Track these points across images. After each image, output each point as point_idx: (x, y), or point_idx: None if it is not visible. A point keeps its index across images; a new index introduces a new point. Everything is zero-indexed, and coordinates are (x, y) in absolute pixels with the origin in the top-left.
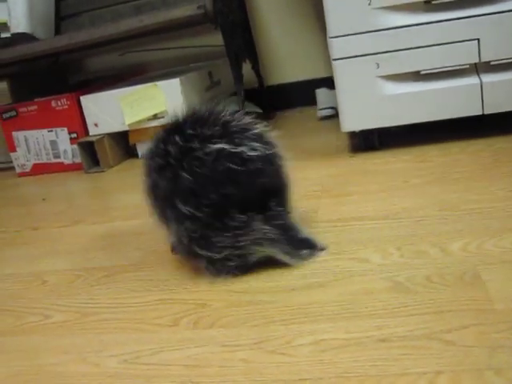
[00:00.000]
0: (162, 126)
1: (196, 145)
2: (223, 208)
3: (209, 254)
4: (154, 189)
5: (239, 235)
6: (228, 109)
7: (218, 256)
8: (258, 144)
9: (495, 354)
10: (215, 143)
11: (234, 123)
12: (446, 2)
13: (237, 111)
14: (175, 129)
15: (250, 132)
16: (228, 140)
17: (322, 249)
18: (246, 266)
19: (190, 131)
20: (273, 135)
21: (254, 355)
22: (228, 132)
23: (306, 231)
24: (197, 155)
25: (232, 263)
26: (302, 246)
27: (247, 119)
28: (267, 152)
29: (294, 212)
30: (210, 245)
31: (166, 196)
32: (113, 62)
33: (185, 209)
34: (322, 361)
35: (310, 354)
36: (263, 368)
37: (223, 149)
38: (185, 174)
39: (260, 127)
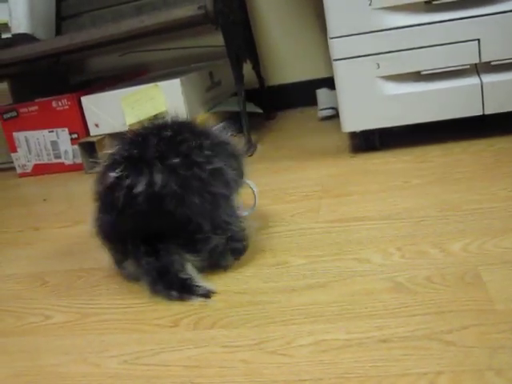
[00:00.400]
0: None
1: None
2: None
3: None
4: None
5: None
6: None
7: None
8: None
9: (496, 354)
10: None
11: (156, 147)
12: (447, 3)
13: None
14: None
15: (168, 161)
16: (132, 167)
17: (205, 295)
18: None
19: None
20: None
21: (255, 356)
22: (141, 158)
23: (195, 276)
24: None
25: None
26: (172, 286)
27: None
28: (169, 187)
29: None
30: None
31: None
32: (113, 63)
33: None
34: (323, 361)
35: (310, 354)
36: (263, 369)
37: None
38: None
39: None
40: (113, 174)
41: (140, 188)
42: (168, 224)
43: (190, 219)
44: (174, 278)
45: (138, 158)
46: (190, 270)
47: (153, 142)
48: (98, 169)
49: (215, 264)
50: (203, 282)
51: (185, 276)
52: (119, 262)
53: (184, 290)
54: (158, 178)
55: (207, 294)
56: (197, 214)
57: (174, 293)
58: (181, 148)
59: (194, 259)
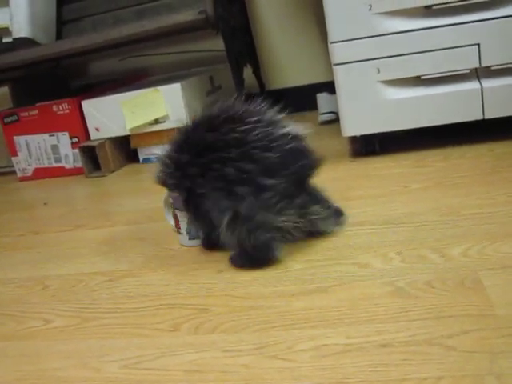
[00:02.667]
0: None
1: (272, 129)
2: (300, 178)
3: (277, 220)
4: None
5: (304, 207)
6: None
7: (283, 224)
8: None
9: (496, 359)
10: (282, 127)
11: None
12: (447, 8)
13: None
14: (234, 120)
15: (272, 117)
16: (277, 125)
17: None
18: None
19: (252, 119)
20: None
21: (255, 360)
22: (270, 119)
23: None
24: (272, 138)
25: (289, 235)
26: (338, 214)
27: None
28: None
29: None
30: (279, 212)
31: (247, 178)
32: (114, 67)
33: (268, 182)
34: (323, 366)
35: (310, 359)
36: (264, 373)
37: (287, 132)
38: (269, 154)
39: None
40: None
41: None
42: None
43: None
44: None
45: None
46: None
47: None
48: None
49: None
50: None
51: (334, 205)
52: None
53: (342, 214)
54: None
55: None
56: None
57: (342, 218)
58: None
59: None
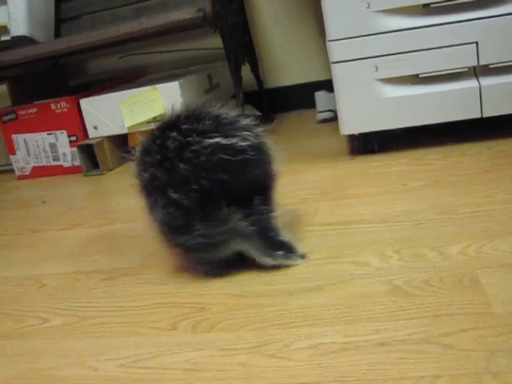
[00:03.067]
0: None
1: (194, 139)
2: (210, 196)
3: (184, 240)
4: (151, 182)
5: (218, 226)
6: (215, 103)
7: (191, 242)
8: (248, 133)
9: (494, 357)
10: (211, 137)
11: (223, 116)
12: (445, 6)
13: (223, 105)
14: (170, 126)
15: (240, 123)
16: (221, 133)
17: (302, 256)
18: (223, 265)
19: (185, 126)
20: (260, 129)
21: (253, 359)
22: (220, 125)
23: (288, 235)
24: (194, 148)
25: (205, 255)
26: (278, 247)
27: (235, 112)
28: (258, 141)
29: (278, 212)
30: (187, 231)
31: (161, 187)
32: (112, 65)
33: (174, 195)
34: (321, 365)
35: (308, 357)
36: (262, 372)
37: (218, 142)
38: (181, 164)
39: (247, 120)
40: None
41: (243, 143)
42: (260, 178)
43: (266, 172)
44: (276, 239)
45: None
46: (285, 232)
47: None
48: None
49: None
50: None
51: (284, 238)
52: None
53: (287, 250)
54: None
55: (304, 256)
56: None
57: (280, 252)
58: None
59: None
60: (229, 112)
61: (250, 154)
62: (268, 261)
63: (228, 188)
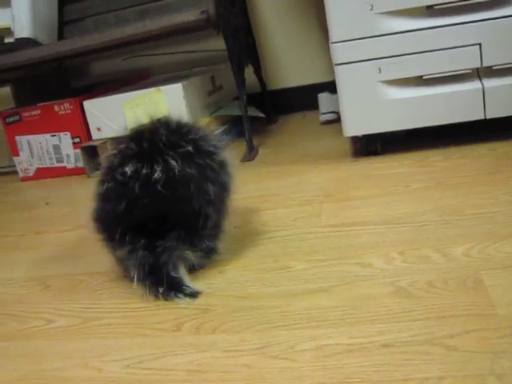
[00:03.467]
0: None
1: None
2: (116, 228)
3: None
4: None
5: (124, 258)
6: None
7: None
8: (176, 163)
9: (497, 359)
10: (131, 164)
11: (165, 138)
12: (448, 7)
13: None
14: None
15: (180, 149)
16: (144, 159)
17: (191, 295)
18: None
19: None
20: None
21: (257, 360)
22: (152, 149)
23: (181, 272)
24: (114, 175)
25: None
26: (161, 283)
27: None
28: (185, 172)
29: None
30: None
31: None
32: (116, 67)
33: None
34: (325, 366)
35: (312, 359)
36: (266, 373)
37: (135, 170)
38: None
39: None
40: (128, 169)
41: (157, 175)
42: (179, 212)
43: (201, 209)
44: (164, 276)
45: (149, 150)
46: (182, 271)
47: (161, 133)
48: (104, 168)
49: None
50: (191, 283)
51: (175, 275)
52: (112, 248)
53: (171, 287)
54: (174, 165)
55: (193, 294)
56: (208, 203)
57: (161, 289)
58: (189, 137)
59: (193, 255)
60: (195, 131)
61: (159, 188)
62: (149, 294)
63: (128, 220)
